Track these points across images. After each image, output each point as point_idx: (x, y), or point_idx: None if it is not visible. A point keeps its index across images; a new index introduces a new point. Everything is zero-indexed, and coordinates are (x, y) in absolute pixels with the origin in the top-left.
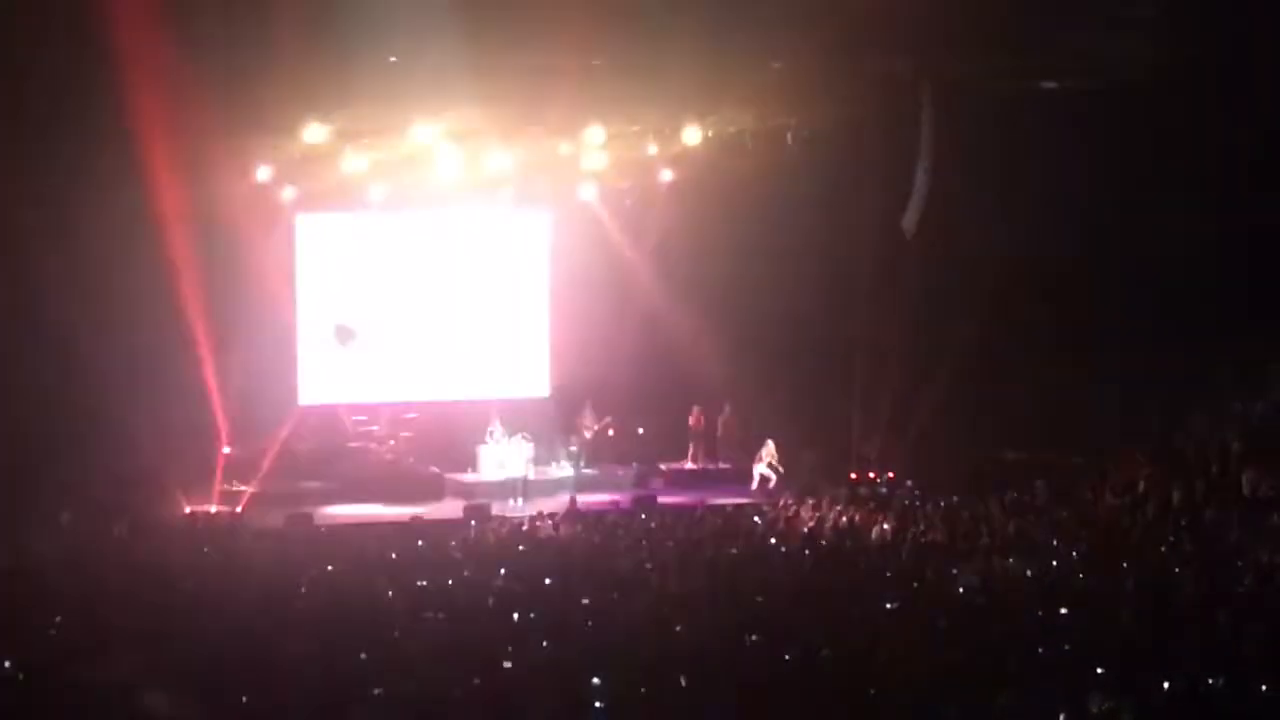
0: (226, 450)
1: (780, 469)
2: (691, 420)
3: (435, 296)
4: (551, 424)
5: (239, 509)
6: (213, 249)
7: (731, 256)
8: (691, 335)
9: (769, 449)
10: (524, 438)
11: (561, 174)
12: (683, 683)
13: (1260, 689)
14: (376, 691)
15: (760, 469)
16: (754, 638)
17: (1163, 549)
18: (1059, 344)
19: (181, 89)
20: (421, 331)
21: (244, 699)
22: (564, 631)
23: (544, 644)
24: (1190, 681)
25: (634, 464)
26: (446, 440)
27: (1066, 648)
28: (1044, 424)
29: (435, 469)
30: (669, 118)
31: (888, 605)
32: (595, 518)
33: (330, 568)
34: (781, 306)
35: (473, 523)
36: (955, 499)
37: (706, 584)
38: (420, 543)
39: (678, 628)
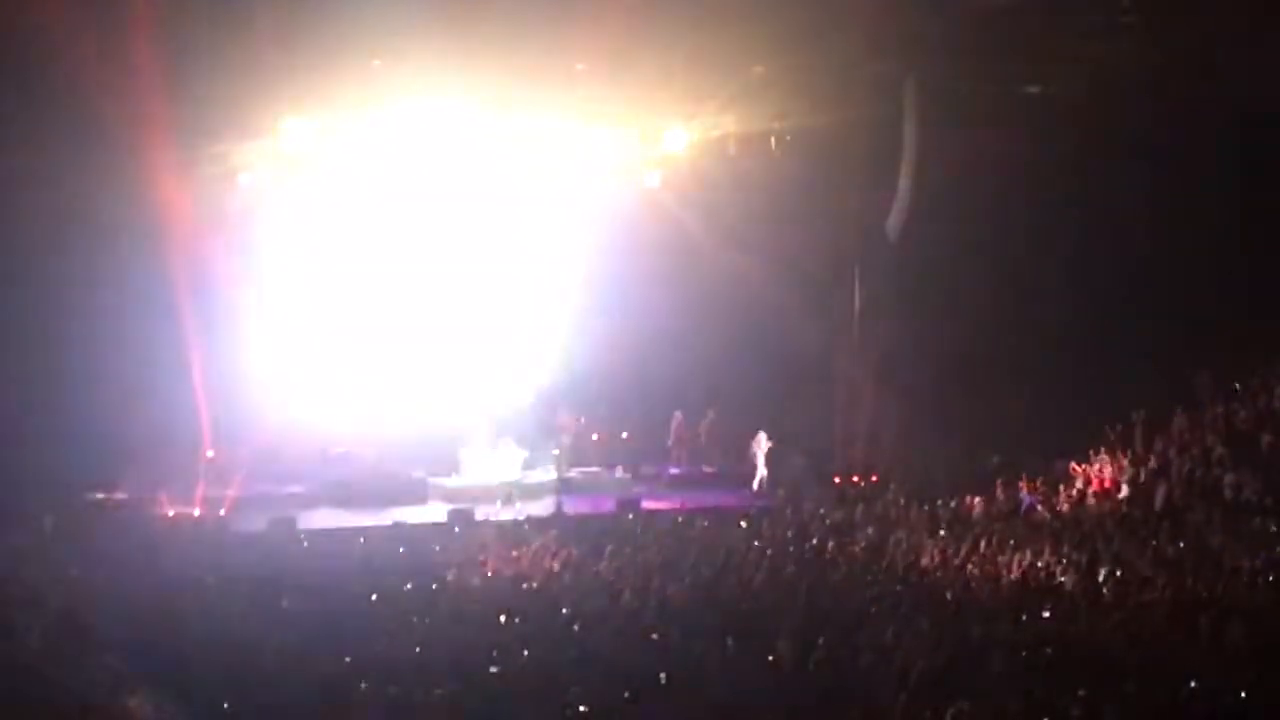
0: (210, 454)
1: (765, 469)
2: (674, 425)
3: (420, 301)
4: (535, 428)
5: (223, 513)
6: (196, 252)
7: (715, 260)
8: (676, 339)
9: (760, 440)
10: (512, 441)
11: (545, 178)
12: (663, 684)
13: (1240, 693)
14: (360, 696)
15: (759, 462)
16: (737, 641)
17: (1145, 552)
18: (1044, 347)
19: (163, 90)
20: (406, 335)
21: (226, 703)
22: (549, 635)
23: (529, 648)
24: (1171, 684)
25: (618, 468)
26: (430, 444)
27: (1049, 650)
28: (1028, 427)
29: (419, 473)
30: (652, 121)
31: (871, 609)
32: (580, 522)
33: (314, 572)
34: (766, 310)
35: (456, 528)
36: (939, 502)
37: (690, 589)
38: (403, 547)
39: (656, 635)
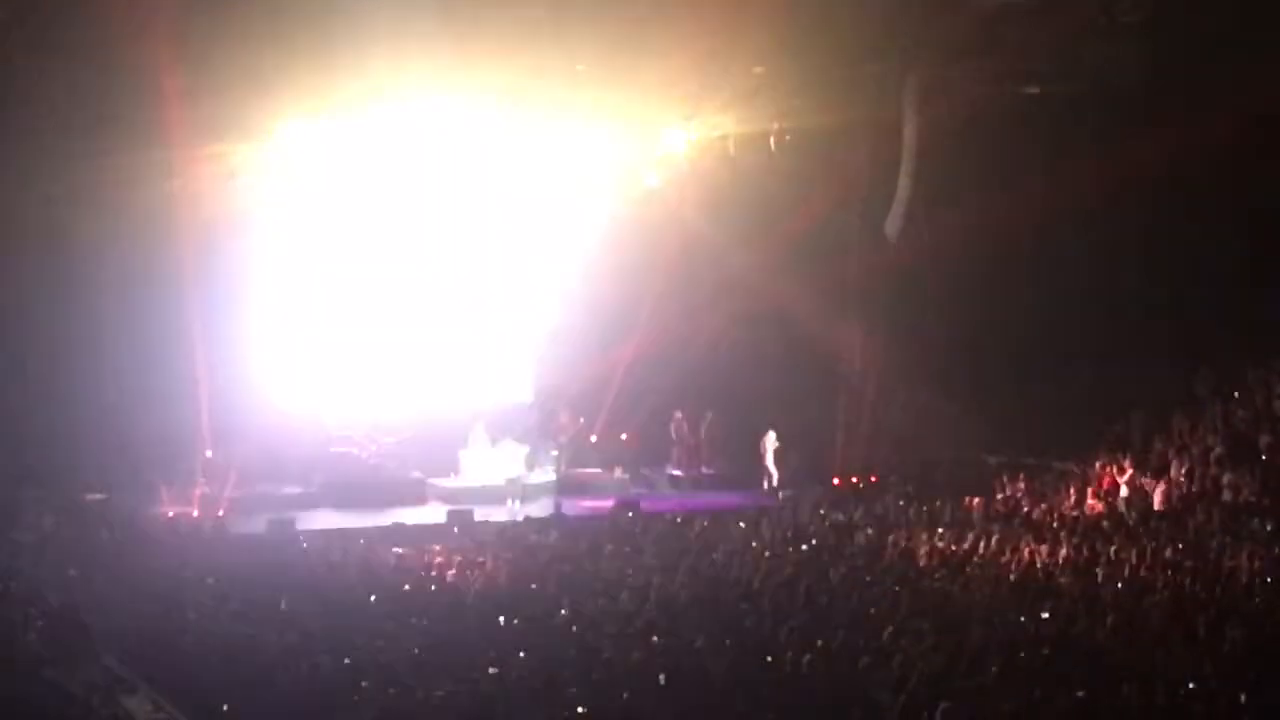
0: (209, 454)
1: (775, 469)
2: (673, 426)
3: (419, 301)
4: (535, 429)
5: (221, 513)
6: (193, 252)
7: (714, 261)
8: (676, 339)
9: (771, 439)
10: (516, 441)
11: (545, 178)
12: (662, 684)
13: (1238, 694)
14: (360, 696)
15: (770, 463)
16: (735, 642)
17: (1144, 552)
18: (1042, 348)
19: (163, 91)
20: (406, 336)
21: (225, 705)
22: (548, 636)
23: (528, 648)
24: (1170, 685)
25: (617, 469)
26: (429, 445)
27: (1048, 651)
28: (1026, 428)
29: (418, 474)
30: (653, 122)
31: (870, 609)
32: (579, 522)
33: (312, 572)
34: (765, 310)
35: (456, 528)
36: (938, 503)
37: (689, 588)
38: (402, 548)
39: (655, 636)
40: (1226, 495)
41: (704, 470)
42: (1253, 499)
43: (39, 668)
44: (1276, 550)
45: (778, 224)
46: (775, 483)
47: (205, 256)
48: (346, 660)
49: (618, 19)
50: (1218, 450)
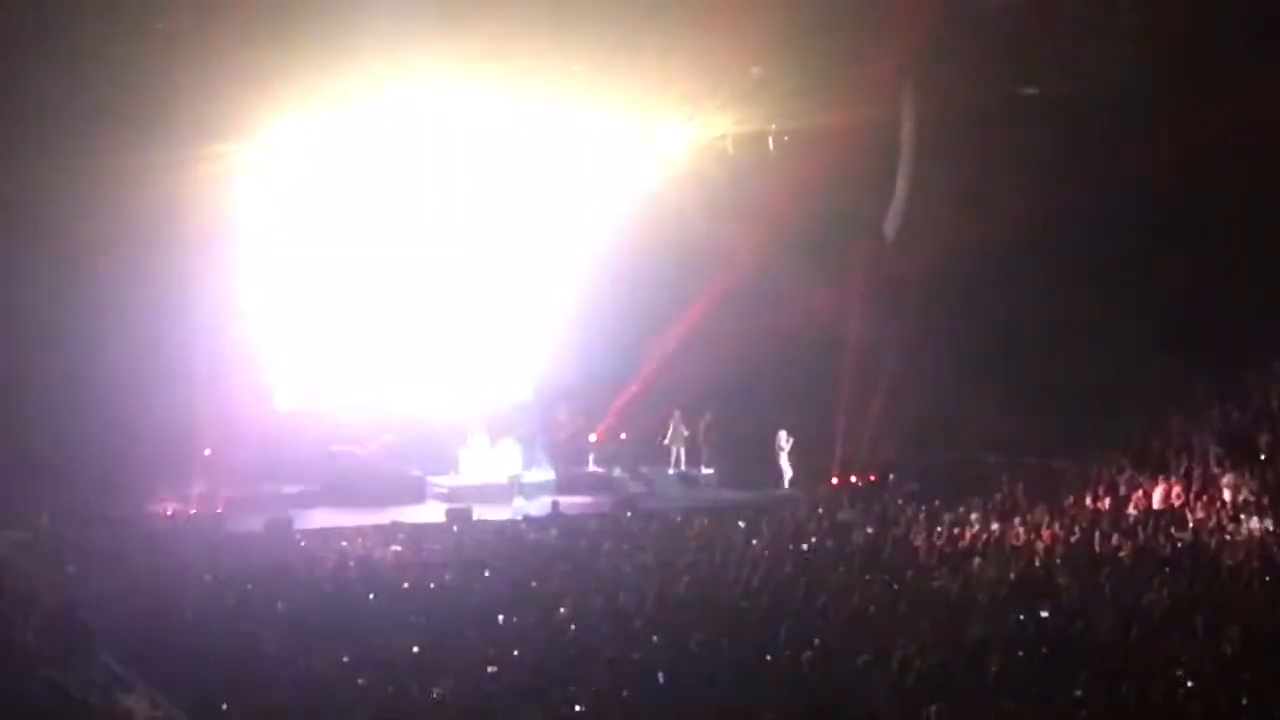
0: (207, 453)
1: (789, 468)
2: (672, 424)
3: (419, 300)
4: (534, 427)
5: (219, 511)
6: (192, 250)
7: (712, 262)
8: (675, 339)
9: (783, 438)
10: (515, 439)
11: (544, 178)
12: (661, 683)
13: (1239, 695)
14: (358, 695)
15: (783, 462)
16: (734, 641)
17: (1144, 551)
18: (1040, 349)
19: (159, 88)
20: (405, 334)
21: (224, 703)
22: (548, 635)
23: (528, 647)
24: (1168, 685)
25: (617, 467)
26: (428, 443)
27: (1045, 650)
28: (1026, 427)
29: (417, 472)
30: (651, 122)
31: (869, 609)
32: (579, 521)
33: (310, 571)
34: (763, 311)
35: (454, 527)
36: (937, 502)
37: (688, 587)
38: (401, 546)
39: (656, 637)
40: (1225, 494)
41: (703, 469)
42: (1251, 498)
43: (37, 666)
44: (1275, 550)
45: (776, 224)
46: (788, 482)
47: (204, 254)
48: (346, 660)
49: (617, 19)
50: (1217, 450)
